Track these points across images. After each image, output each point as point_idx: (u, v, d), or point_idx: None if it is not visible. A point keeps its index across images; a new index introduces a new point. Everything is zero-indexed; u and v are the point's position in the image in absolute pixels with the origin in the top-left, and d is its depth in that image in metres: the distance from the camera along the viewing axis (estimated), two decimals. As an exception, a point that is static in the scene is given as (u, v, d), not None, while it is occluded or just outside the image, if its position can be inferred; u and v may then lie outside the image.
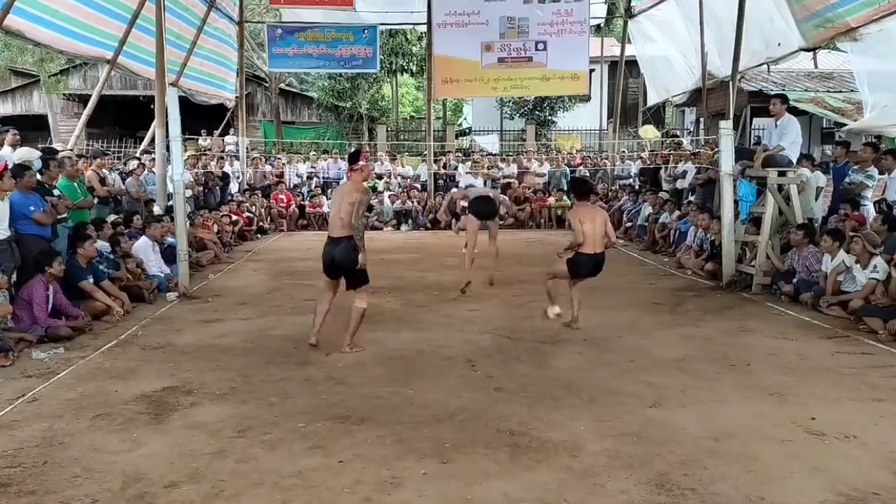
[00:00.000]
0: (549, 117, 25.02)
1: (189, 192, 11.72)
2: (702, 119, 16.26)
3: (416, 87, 30.51)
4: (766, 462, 3.62)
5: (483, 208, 8.35)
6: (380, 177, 17.32)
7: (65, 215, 7.39)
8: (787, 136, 8.18)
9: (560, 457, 3.71)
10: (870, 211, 8.50)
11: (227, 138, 19.33)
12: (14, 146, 8.31)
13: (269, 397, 4.64)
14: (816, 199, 8.77)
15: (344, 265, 5.56)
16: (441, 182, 17.23)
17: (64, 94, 22.70)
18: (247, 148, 17.38)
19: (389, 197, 16.31)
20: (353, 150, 6.03)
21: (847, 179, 8.80)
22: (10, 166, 6.77)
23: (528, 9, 15.97)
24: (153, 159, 12.30)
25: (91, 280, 7.00)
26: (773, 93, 13.76)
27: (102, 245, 7.75)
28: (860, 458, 3.67)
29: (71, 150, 10.75)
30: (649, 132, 19.91)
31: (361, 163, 5.70)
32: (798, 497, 3.26)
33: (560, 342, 6.04)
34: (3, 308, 5.80)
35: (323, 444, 3.87)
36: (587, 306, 7.47)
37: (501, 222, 10.51)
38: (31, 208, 6.51)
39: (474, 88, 17.18)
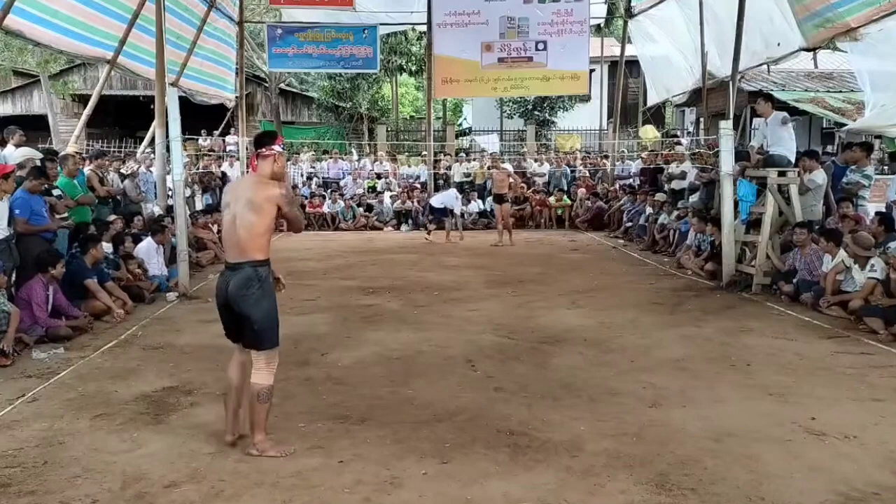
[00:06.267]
0: (549, 117, 25.01)
1: (188, 192, 11.74)
2: (702, 119, 16.25)
3: (416, 87, 30.50)
4: (766, 462, 3.62)
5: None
6: (379, 176, 17.34)
7: (65, 214, 7.39)
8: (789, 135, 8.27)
9: (560, 457, 3.71)
10: (867, 210, 8.55)
11: (228, 138, 19.35)
12: (18, 146, 8.32)
13: (269, 397, 4.63)
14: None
15: (237, 306, 3.67)
16: (441, 182, 17.24)
17: (71, 96, 22.69)
18: (246, 148, 17.38)
19: (391, 197, 16.32)
20: (264, 132, 4.30)
21: (844, 179, 8.84)
22: (13, 166, 6.77)
23: (528, 9, 15.97)
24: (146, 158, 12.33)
25: (96, 281, 7.01)
26: (770, 92, 13.80)
27: (104, 245, 7.77)
28: (860, 458, 3.67)
29: (79, 151, 10.77)
30: (649, 132, 19.90)
31: (276, 148, 3.82)
32: (798, 497, 3.26)
33: (560, 342, 6.03)
34: (16, 315, 5.74)
35: (323, 444, 3.87)
36: (588, 306, 7.50)
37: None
38: (17, 212, 6.43)
39: (474, 88, 17.19)
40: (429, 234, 13.63)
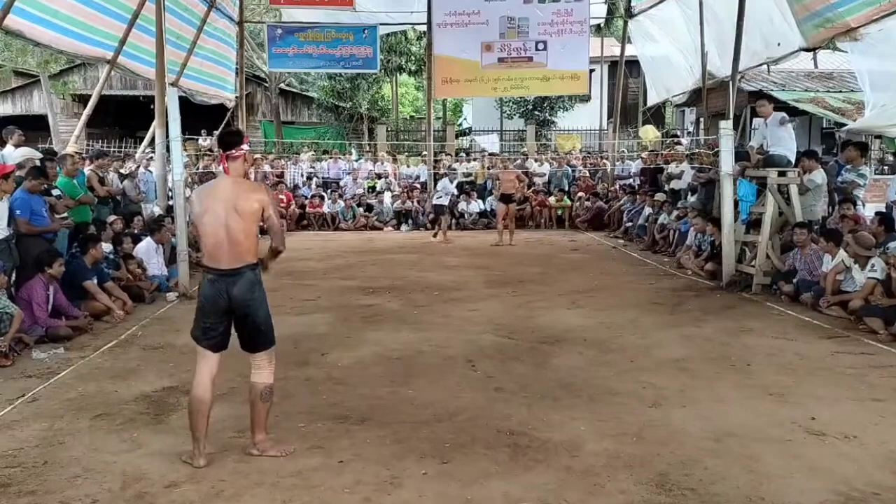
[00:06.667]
0: (549, 117, 25.01)
1: (188, 192, 11.72)
2: (702, 119, 16.26)
3: (416, 87, 30.51)
4: (766, 462, 3.62)
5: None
6: (379, 176, 17.35)
7: (64, 214, 7.39)
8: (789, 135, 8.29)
9: (560, 457, 3.71)
10: (860, 209, 8.59)
11: (229, 138, 19.33)
12: (17, 146, 8.33)
13: (269, 397, 4.63)
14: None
15: (245, 306, 3.64)
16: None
17: (71, 96, 22.71)
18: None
19: (392, 197, 16.31)
20: (229, 132, 3.99)
21: (839, 179, 8.87)
22: (12, 166, 6.77)
23: (528, 9, 15.98)
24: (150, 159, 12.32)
25: (95, 281, 7.02)
26: (770, 92, 13.82)
27: (104, 246, 7.77)
28: (860, 458, 3.67)
29: (79, 151, 10.76)
30: (649, 132, 19.89)
31: (245, 147, 3.77)
32: (798, 497, 3.26)
33: (560, 342, 6.03)
34: (19, 317, 5.73)
35: (323, 444, 3.87)
36: (588, 306, 7.50)
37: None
38: (18, 212, 6.42)
39: (474, 88, 17.21)
40: (435, 235, 13.60)
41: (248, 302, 3.63)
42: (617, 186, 16.03)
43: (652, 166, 15.28)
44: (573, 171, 17.46)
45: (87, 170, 9.33)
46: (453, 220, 15.68)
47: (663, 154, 16.06)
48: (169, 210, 9.93)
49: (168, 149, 10.01)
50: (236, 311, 3.65)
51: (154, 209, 10.95)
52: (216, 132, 19.73)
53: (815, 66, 14.59)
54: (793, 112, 14.54)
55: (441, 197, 13.89)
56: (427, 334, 6.31)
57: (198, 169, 15.80)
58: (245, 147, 3.76)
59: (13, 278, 6.38)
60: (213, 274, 3.66)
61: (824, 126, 17.47)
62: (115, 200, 9.97)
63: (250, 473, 3.53)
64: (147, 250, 8.52)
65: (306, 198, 16.36)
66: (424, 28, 17.21)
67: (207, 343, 3.69)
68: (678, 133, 20.83)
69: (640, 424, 4.13)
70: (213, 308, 3.64)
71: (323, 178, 17.59)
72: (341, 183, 17.31)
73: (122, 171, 11.25)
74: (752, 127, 15.77)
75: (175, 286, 8.19)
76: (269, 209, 3.66)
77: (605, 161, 18.13)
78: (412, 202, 15.93)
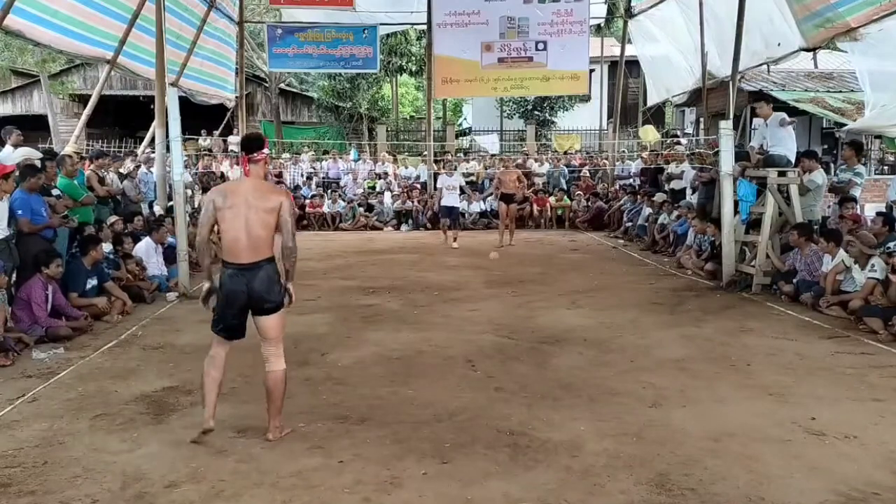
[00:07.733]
0: (549, 117, 25.01)
1: (189, 192, 11.72)
2: (702, 119, 16.26)
3: (416, 87, 30.50)
4: (766, 462, 3.62)
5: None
6: (379, 176, 17.35)
7: (64, 213, 7.38)
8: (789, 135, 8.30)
9: (560, 457, 3.71)
10: (858, 209, 8.65)
11: (231, 138, 19.33)
12: (16, 146, 8.32)
13: (269, 397, 4.62)
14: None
15: (265, 301, 3.90)
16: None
17: (70, 96, 22.71)
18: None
19: (392, 197, 16.31)
20: (251, 137, 4.17)
21: (835, 178, 8.88)
22: (13, 166, 6.76)
23: (528, 9, 15.99)
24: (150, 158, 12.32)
25: (95, 282, 7.04)
26: (770, 92, 13.81)
27: (104, 246, 7.77)
28: (860, 458, 3.67)
29: (78, 151, 10.75)
30: (649, 133, 19.88)
31: (266, 151, 4.04)
32: (798, 497, 3.26)
33: (560, 342, 6.03)
34: (1, 312, 5.74)
35: (323, 444, 3.87)
36: (588, 306, 7.50)
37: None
38: (20, 212, 6.41)
39: (474, 88, 17.22)
40: (454, 239, 12.45)
41: (270, 294, 3.88)
42: (617, 186, 16.03)
43: (652, 166, 15.27)
44: (572, 172, 17.45)
45: (87, 170, 9.33)
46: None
47: (663, 154, 16.06)
48: (169, 210, 9.93)
49: (168, 149, 10.01)
50: (255, 303, 3.89)
51: (155, 209, 10.94)
52: (216, 132, 19.83)
53: (815, 66, 14.59)
54: (793, 112, 14.55)
55: (444, 196, 13.20)
56: (427, 334, 6.31)
57: (197, 169, 15.79)
58: (265, 151, 4.05)
59: (13, 278, 6.38)
60: (232, 268, 3.87)
61: (824, 126, 17.47)
62: (115, 200, 9.96)
63: (250, 473, 3.53)
64: (146, 250, 8.52)
65: (306, 198, 16.35)
66: (424, 28, 17.21)
67: (222, 331, 3.96)
68: (678, 133, 20.82)
69: (640, 424, 4.13)
70: (234, 300, 3.87)
71: (323, 178, 17.60)
72: (341, 183, 17.31)
73: (121, 170, 11.24)
74: (752, 127, 15.77)
75: (175, 286, 8.19)
76: (284, 207, 3.89)
77: (605, 161, 18.13)
78: (412, 202, 15.93)
